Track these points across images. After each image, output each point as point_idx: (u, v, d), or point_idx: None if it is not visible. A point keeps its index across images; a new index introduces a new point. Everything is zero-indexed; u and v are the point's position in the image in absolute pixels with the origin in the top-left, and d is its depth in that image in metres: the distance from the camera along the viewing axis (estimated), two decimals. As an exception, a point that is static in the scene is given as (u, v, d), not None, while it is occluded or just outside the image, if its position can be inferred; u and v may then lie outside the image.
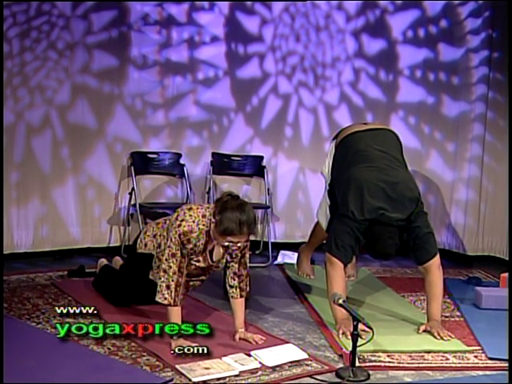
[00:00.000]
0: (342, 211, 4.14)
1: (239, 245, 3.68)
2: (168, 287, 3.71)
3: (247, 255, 3.91)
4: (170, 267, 3.73)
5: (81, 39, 5.54)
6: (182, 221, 3.75)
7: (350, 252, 4.11)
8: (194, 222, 3.74)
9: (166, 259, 3.74)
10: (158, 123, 5.92)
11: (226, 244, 3.65)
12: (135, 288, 4.17)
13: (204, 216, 3.75)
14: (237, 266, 3.88)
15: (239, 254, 3.85)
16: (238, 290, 3.87)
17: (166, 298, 3.70)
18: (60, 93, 5.54)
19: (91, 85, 5.63)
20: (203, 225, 3.74)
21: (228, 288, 3.90)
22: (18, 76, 5.38)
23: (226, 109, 6.02)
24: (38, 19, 5.39)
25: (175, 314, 3.70)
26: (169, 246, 3.76)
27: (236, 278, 3.88)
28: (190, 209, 3.82)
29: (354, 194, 4.10)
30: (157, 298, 3.74)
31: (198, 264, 3.89)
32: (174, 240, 3.74)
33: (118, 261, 4.66)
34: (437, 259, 4.11)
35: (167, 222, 4.02)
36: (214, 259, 3.90)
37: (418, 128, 6.07)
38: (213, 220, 3.67)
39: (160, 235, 4.04)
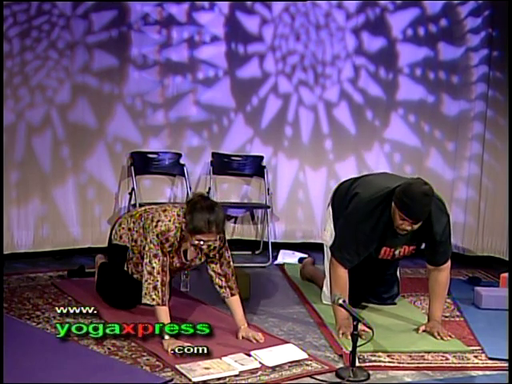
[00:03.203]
0: (352, 202, 4.05)
1: (209, 243, 3.71)
2: (155, 288, 3.72)
3: (226, 254, 3.93)
4: (154, 268, 3.75)
5: (81, 39, 5.54)
6: (159, 221, 3.83)
7: (356, 258, 3.99)
8: (170, 221, 3.83)
9: (149, 261, 3.77)
10: (158, 123, 5.92)
11: (196, 243, 3.70)
12: (132, 289, 4.15)
13: (178, 215, 3.83)
14: (218, 265, 3.91)
15: (217, 254, 3.89)
16: (227, 289, 3.89)
17: (154, 299, 3.71)
18: (60, 92, 5.54)
19: (91, 84, 5.63)
20: (178, 223, 3.81)
21: (218, 289, 3.92)
22: (19, 75, 5.38)
23: (226, 109, 6.02)
24: (38, 19, 5.39)
25: (164, 314, 3.71)
26: (150, 248, 3.80)
27: (223, 278, 3.90)
28: (164, 210, 3.92)
29: (362, 185, 4.11)
30: (145, 300, 3.74)
31: (172, 265, 3.91)
32: (153, 241, 3.79)
33: None
34: (449, 261, 4.07)
35: (142, 218, 4.04)
36: (188, 258, 3.95)
37: (417, 126, 6.06)
38: (184, 220, 3.73)
39: (137, 231, 4.08)
